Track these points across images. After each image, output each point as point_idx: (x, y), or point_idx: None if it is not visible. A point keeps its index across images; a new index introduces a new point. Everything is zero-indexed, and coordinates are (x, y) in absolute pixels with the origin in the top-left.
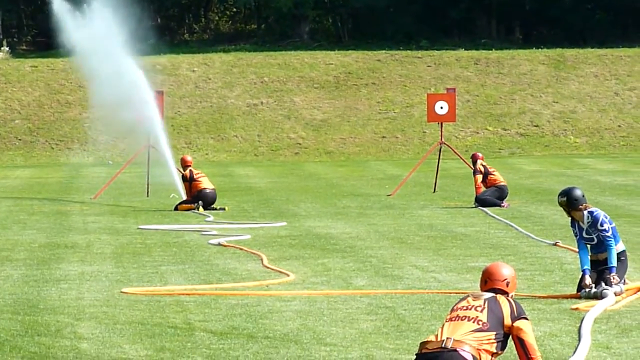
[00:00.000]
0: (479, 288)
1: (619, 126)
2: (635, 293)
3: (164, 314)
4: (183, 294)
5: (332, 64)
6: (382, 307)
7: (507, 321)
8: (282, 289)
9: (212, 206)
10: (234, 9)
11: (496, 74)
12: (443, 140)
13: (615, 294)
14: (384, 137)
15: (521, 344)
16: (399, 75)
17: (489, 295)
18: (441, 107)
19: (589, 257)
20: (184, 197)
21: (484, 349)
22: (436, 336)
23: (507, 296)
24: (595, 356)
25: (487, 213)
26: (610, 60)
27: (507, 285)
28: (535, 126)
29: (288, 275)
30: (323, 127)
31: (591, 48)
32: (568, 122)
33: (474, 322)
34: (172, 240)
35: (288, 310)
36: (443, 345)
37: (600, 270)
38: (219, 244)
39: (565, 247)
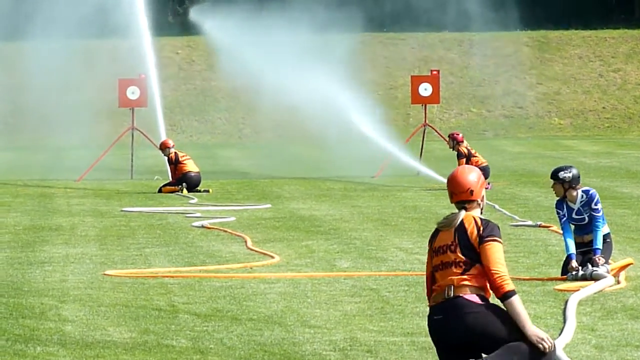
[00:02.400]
0: None
1: (604, 108)
2: (620, 271)
3: (148, 297)
4: (167, 276)
5: (314, 44)
6: (366, 289)
7: (476, 245)
8: (266, 271)
9: (197, 188)
10: None
11: (480, 56)
12: (427, 122)
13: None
14: (368, 118)
15: (485, 270)
16: (383, 57)
17: (457, 221)
18: (425, 89)
19: (574, 240)
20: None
21: (481, 285)
22: (438, 287)
23: (476, 207)
24: (580, 338)
25: None
26: (594, 41)
27: (472, 193)
28: (519, 108)
29: (272, 258)
30: (306, 109)
31: (575, 30)
32: (552, 103)
33: (455, 266)
34: (156, 222)
35: (272, 292)
36: (446, 296)
37: (585, 251)
38: (202, 226)
39: (546, 227)
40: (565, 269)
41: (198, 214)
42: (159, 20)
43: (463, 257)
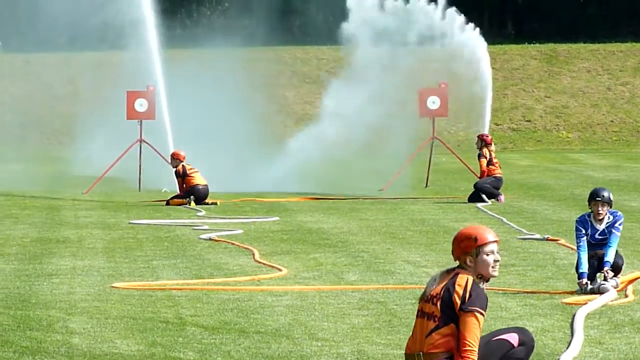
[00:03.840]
0: None
1: (612, 121)
2: (629, 285)
3: (156, 309)
4: (174, 289)
5: (324, 58)
6: (374, 302)
7: (457, 311)
8: (273, 283)
9: (204, 201)
10: (226, 4)
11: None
12: (435, 135)
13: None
14: (375, 131)
15: (458, 335)
16: (390, 70)
17: (450, 277)
18: (433, 102)
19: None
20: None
21: (455, 345)
22: (411, 337)
23: (469, 271)
24: (588, 352)
25: (478, 208)
26: (602, 55)
27: (452, 254)
28: (527, 121)
29: (280, 270)
30: (314, 122)
31: (583, 43)
32: (560, 117)
33: (431, 319)
34: (164, 235)
35: (280, 305)
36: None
37: (593, 267)
38: (210, 239)
39: (554, 240)
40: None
41: (205, 227)
42: (166, 32)
43: (439, 314)
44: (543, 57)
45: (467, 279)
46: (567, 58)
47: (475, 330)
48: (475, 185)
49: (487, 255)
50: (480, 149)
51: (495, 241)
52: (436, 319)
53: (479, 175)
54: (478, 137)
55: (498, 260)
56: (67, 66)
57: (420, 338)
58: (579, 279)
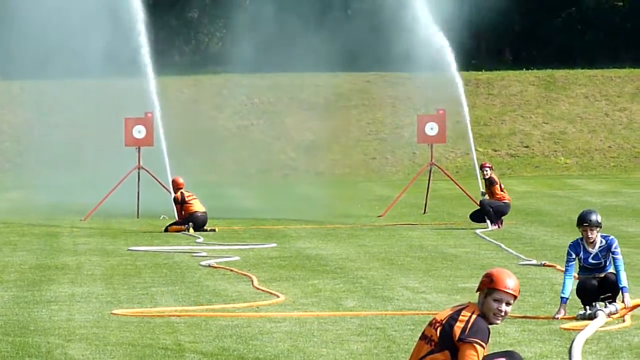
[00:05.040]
0: None
1: (609, 147)
2: (629, 311)
3: (155, 335)
4: (173, 315)
5: (321, 85)
6: (373, 328)
7: (455, 340)
8: (272, 310)
9: (203, 228)
10: (224, 30)
11: (486, 95)
12: (433, 161)
13: (610, 314)
14: (374, 158)
15: None
16: (389, 97)
17: (459, 308)
18: (431, 128)
19: (584, 279)
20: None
21: None
22: (409, 358)
23: (477, 304)
24: None
25: (477, 234)
26: (600, 80)
27: (477, 290)
28: (525, 147)
29: (278, 297)
30: (313, 149)
31: (581, 69)
32: (558, 142)
33: (428, 342)
34: (162, 261)
35: (278, 331)
36: None
37: (593, 289)
38: (209, 266)
39: (551, 266)
40: (554, 316)
41: (204, 253)
42: (165, 59)
43: (437, 339)
44: (541, 82)
45: (472, 313)
46: (565, 84)
47: None
48: (481, 202)
49: (495, 300)
50: (490, 177)
51: (509, 294)
52: (432, 344)
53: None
54: (480, 167)
55: (503, 312)
56: (63, 93)
57: (416, 358)
58: (560, 302)
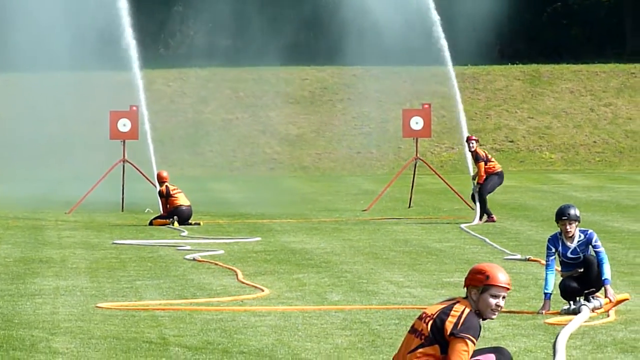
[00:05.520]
0: None
1: (594, 142)
2: (614, 306)
3: (139, 329)
4: (158, 309)
5: (307, 79)
6: (357, 322)
7: (447, 335)
8: (257, 304)
9: (188, 221)
10: (210, 24)
11: (471, 90)
12: (418, 155)
13: (595, 309)
14: (359, 152)
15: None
16: (375, 91)
17: (451, 303)
18: (416, 123)
19: (564, 275)
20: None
21: None
22: (397, 354)
23: (468, 300)
24: None
25: (462, 229)
26: (585, 76)
27: (464, 281)
28: (510, 142)
29: (263, 291)
30: (298, 142)
31: (566, 64)
32: (543, 137)
33: (418, 336)
34: (147, 255)
35: (263, 325)
36: None
37: (575, 290)
38: (194, 259)
39: (535, 260)
40: (539, 311)
41: (188, 247)
42: (150, 52)
43: (427, 333)
44: (526, 77)
45: (464, 309)
46: (550, 79)
47: (463, 356)
48: (481, 196)
49: (492, 297)
50: (475, 150)
51: (506, 288)
52: (422, 337)
53: (478, 181)
54: (467, 140)
55: (500, 307)
56: (48, 86)
57: (404, 353)
58: (544, 298)
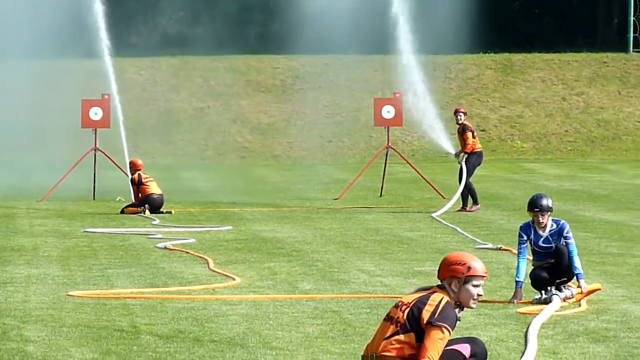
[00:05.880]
0: None
1: (566, 131)
2: (585, 297)
3: (110, 317)
4: (129, 297)
5: (278, 67)
6: (328, 311)
7: (423, 324)
8: (228, 292)
9: (159, 210)
10: (181, 12)
11: (443, 78)
12: (390, 144)
13: (566, 298)
14: (330, 141)
15: (421, 347)
16: (346, 79)
17: (426, 293)
18: (388, 111)
19: (536, 264)
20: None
21: (409, 355)
22: (371, 342)
23: (445, 286)
24: None
25: (433, 217)
26: (557, 65)
27: (438, 273)
28: (482, 130)
29: (234, 279)
30: (270, 131)
31: (538, 53)
32: (515, 126)
33: (394, 324)
34: (119, 243)
35: (234, 314)
36: None
37: (547, 269)
38: (165, 248)
39: (507, 250)
40: (511, 300)
41: (160, 235)
42: (122, 40)
43: (403, 321)
44: (498, 66)
45: (442, 298)
46: (522, 68)
47: (438, 344)
48: (468, 187)
49: (474, 287)
50: (463, 123)
51: (485, 276)
52: (398, 325)
53: (465, 150)
54: (455, 112)
55: (481, 295)
56: (18, 75)
57: (379, 340)
58: (515, 287)
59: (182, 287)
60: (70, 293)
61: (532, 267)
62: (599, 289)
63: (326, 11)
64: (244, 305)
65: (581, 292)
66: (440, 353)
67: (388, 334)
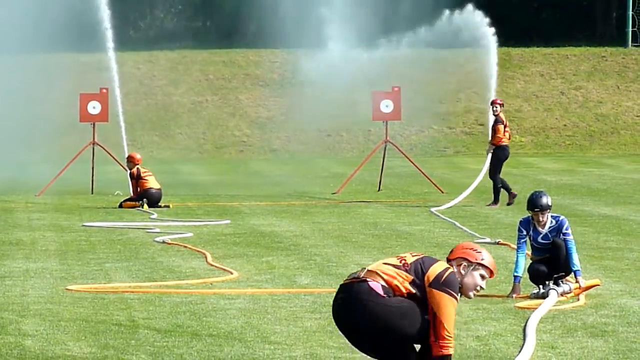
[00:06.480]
0: None
1: (565, 125)
2: (583, 291)
3: (108, 311)
4: (127, 292)
5: (277, 61)
6: (326, 305)
7: (427, 280)
8: (226, 287)
9: (157, 204)
10: (179, 6)
11: (441, 72)
12: (388, 138)
13: (564, 293)
14: (329, 135)
15: (433, 319)
16: (345, 73)
17: (436, 258)
18: (386, 106)
19: (535, 259)
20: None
21: (396, 284)
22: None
23: (453, 266)
24: (541, 356)
25: (432, 212)
26: (556, 59)
27: (450, 253)
28: (480, 125)
29: (232, 273)
30: (268, 125)
31: (537, 47)
32: (513, 120)
33: (399, 260)
34: (117, 237)
35: (232, 308)
36: (356, 276)
37: (544, 263)
38: (164, 242)
39: (505, 244)
40: (510, 295)
41: (157, 229)
42: (121, 35)
43: (409, 264)
44: (497, 61)
45: (449, 268)
46: (521, 62)
47: (452, 317)
48: (495, 183)
49: (481, 277)
50: (498, 114)
51: (492, 274)
52: (403, 263)
53: (493, 142)
54: (491, 103)
55: (482, 289)
56: (16, 69)
57: (379, 263)
58: (514, 281)
59: (180, 281)
60: (68, 287)
61: (531, 262)
62: (598, 285)
63: (324, 5)
64: (242, 300)
65: (579, 287)
66: (453, 323)
67: (389, 262)
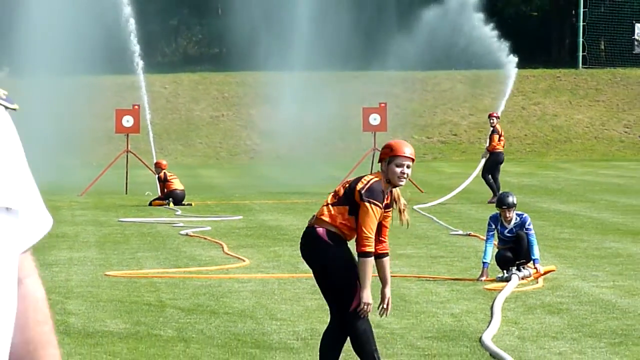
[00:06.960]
0: None
1: (525, 135)
2: (540, 277)
3: (140, 293)
4: (156, 277)
5: (282, 82)
6: None
7: (357, 198)
8: (239, 272)
9: (181, 203)
10: (200, 35)
11: (421, 91)
12: (376, 146)
13: (524, 277)
14: (326, 144)
15: (356, 223)
16: (339, 92)
17: (362, 175)
18: (374, 119)
19: (501, 249)
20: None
21: (340, 222)
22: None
23: (381, 173)
24: (506, 330)
25: (413, 209)
26: (518, 79)
27: (379, 160)
28: (454, 135)
29: (244, 261)
30: (275, 135)
31: (501, 69)
32: (482, 131)
33: (335, 196)
34: (147, 231)
35: (244, 290)
36: (308, 224)
37: (509, 251)
38: (187, 234)
39: (475, 236)
40: (479, 278)
41: (181, 224)
42: (150, 59)
43: (342, 194)
44: (467, 81)
45: (372, 178)
46: (488, 82)
47: (370, 219)
48: (487, 182)
49: (397, 166)
50: (495, 126)
51: (408, 157)
52: (337, 198)
53: (487, 149)
54: (490, 115)
55: (405, 174)
56: (63, 89)
57: (322, 206)
58: (483, 267)
59: (200, 268)
60: (106, 273)
61: (498, 250)
62: (554, 270)
63: (321, 34)
64: (253, 283)
65: (537, 272)
66: (374, 226)
67: (329, 203)
